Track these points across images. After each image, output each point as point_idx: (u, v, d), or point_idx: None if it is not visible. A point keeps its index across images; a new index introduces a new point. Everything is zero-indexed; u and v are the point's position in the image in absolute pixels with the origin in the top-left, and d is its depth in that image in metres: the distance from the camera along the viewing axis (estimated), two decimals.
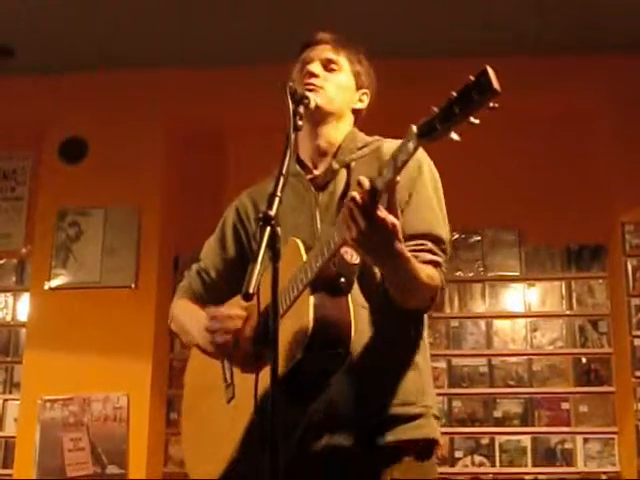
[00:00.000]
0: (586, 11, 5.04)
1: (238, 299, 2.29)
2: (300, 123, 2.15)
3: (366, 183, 1.88)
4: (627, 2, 4.97)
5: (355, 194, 1.89)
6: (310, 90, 2.33)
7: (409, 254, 2.04)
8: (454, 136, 1.71)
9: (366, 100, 2.51)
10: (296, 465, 2.04)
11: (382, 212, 1.89)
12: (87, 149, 5.69)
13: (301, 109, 2.19)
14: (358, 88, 2.48)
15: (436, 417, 2.29)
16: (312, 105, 2.27)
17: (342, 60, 2.45)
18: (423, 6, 5.05)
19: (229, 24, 5.20)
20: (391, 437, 2.18)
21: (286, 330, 2.02)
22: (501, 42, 5.28)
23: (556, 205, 5.49)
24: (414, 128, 1.80)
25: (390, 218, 1.91)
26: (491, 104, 1.64)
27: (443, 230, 2.26)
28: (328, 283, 2.08)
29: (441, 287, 2.19)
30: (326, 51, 2.45)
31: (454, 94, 1.70)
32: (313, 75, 2.39)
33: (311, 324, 2.02)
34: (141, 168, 5.59)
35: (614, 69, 5.40)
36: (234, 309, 2.25)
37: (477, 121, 1.67)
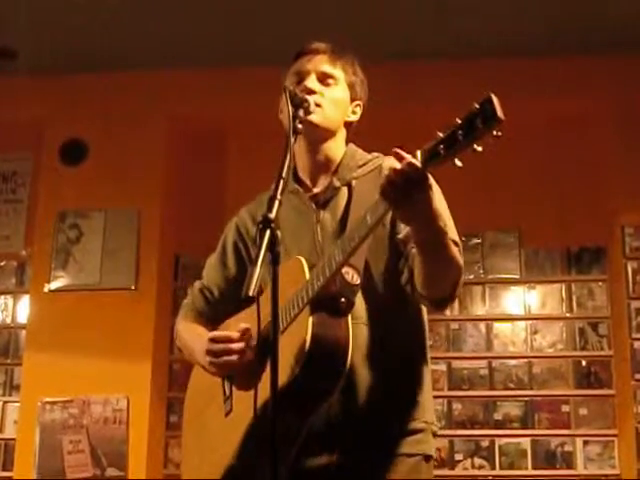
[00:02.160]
0: (586, 12, 5.04)
1: (242, 315, 2.30)
2: (300, 126, 2.14)
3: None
4: (628, 2, 4.96)
5: (396, 164, 1.87)
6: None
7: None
8: (457, 162, 1.71)
9: (359, 112, 2.48)
10: None
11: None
12: (87, 151, 5.69)
13: (300, 112, 2.18)
14: (352, 100, 2.45)
15: (434, 434, 2.29)
16: (312, 109, 2.26)
17: (338, 73, 2.41)
18: (427, 8, 5.05)
19: (230, 25, 5.20)
20: (390, 452, 2.19)
21: (285, 347, 2.02)
22: (502, 44, 5.28)
23: (556, 207, 5.49)
24: (419, 154, 1.80)
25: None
26: (495, 132, 1.64)
27: (455, 234, 2.22)
28: (328, 302, 2.09)
29: (461, 275, 2.15)
30: (323, 63, 2.40)
31: (458, 121, 1.70)
32: (311, 92, 2.34)
33: (309, 342, 2.03)
34: (141, 170, 5.58)
35: (615, 71, 5.40)
36: (234, 331, 2.26)
37: (480, 148, 1.67)
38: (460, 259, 2.12)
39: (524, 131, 5.37)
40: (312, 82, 2.36)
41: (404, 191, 1.86)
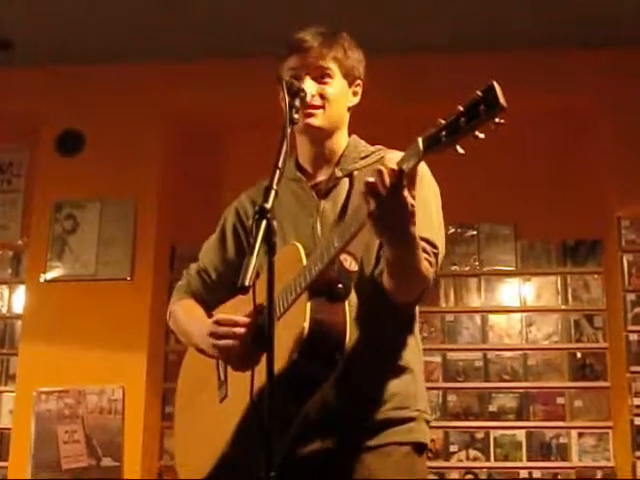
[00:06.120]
0: (583, 6, 5.03)
1: (238, 301, 2.30)
2: (296, 116, 2.14)
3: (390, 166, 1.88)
4: None
5: (382, 168, 1.88)
6: (311, 115, 2.31)
7: (418, 240, 2.03)
8: (459, 149, 1.72)
9: (360, 91, 2.46)
10: (288, 467, 2.05)
11: (405, 191, 1.88)
12: (84, 142, 5.69)
13: (297, 102, 2.18)
14: (350, 84, 2.43)
15: (427, 421, 2.30)
16: (308, 99, 2.26)
17: (332, 65, 2.37)
18: (425, 1, 5.05)
19: (228, 17, 5.19)
20: (382, 440, 2.20)
21: (283, 332, 2.04)
22: (498, 37, 5.28)
23: (552, 200, 5.50)
24: (419, 140, 1.80)
25: (410, 199, 1.89)
26: (497, 119, 1.65)
27: (438, 238, 2.24)
28: (326, 288, 2.10)
29: (429, 285, 2.17)
30: (315, 60, 2.34)
31: (460, 108, 1.70)
32: (311, 96, 2.31)
33: (307, 327, 2.04)
34: (137, 161, 5.58)
35: (610, 64, 5.39)
36: (239, 315, 2.26)
37: (482, 135, 1.68)
38: (430, 272, 2.14)
39: (520, 124, 5.35)
40: (308, 86, 2.31)
41: (385, 192, 1.87)
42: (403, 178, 1.86)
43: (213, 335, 2.26)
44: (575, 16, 5.13)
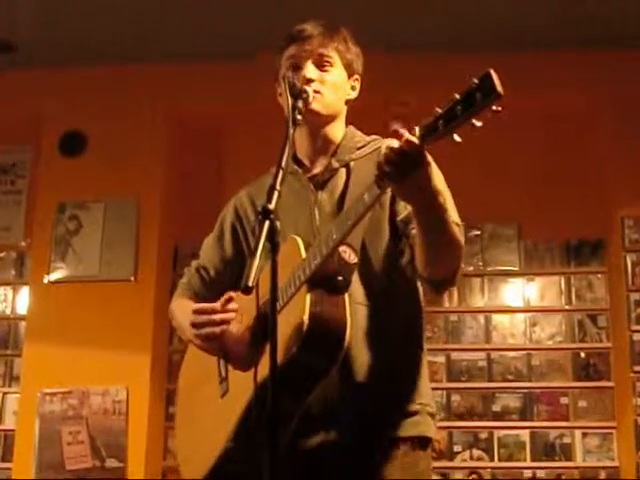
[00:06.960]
0: (584, 6, 5.03)
1: (238, 297, 2.30)
2: (299, 117, 2.14)
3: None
4: None
5: (390, 143, 1.86)
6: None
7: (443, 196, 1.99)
8: (456, 138, 1.71)
9: (357, 86, 2.47)
10: (291, 461, 2.05)
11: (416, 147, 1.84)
12: (87, 143, 5.69)
13: (300, 103, 2.18)
14: (349, 77, 2.43)
15: (431, 415, 2.30)
16: (310, 99, 2.26)
17: (333, 54, 2.38)
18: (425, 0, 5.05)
19: (229, 17, 5.20)
20: (387, 434, 2.20)
21: (283, 325, 2.02)
22: (500, 38, 5.27)
23: (556, 200, 5.49)
24: (417, 129, 1.80)
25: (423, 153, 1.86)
26: (494, 107, 1.64)
27: (454, 214, 2.19)
28: (326, 281, 2.09)
29: (462, 253, 2.13)
30: (316, 48, 2.36)
31: (457, 96, 1.70)
32: (310, 80, 2.32)
33: (307, 320, 2.03)
34: (140, 162, 5.59)
35: (613, 64, 5.39)
36: (241, 313, 2.26)
37: (480, 123, 1.67)
38: (461, 238, 2.11)
39: (524, 123, 5.37)
40: (309, 71, 2.33)
41: (401, 169, 1.85)
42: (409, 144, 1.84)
43: (194, 325, 2.28)
44: (575, 16, 5.13)
